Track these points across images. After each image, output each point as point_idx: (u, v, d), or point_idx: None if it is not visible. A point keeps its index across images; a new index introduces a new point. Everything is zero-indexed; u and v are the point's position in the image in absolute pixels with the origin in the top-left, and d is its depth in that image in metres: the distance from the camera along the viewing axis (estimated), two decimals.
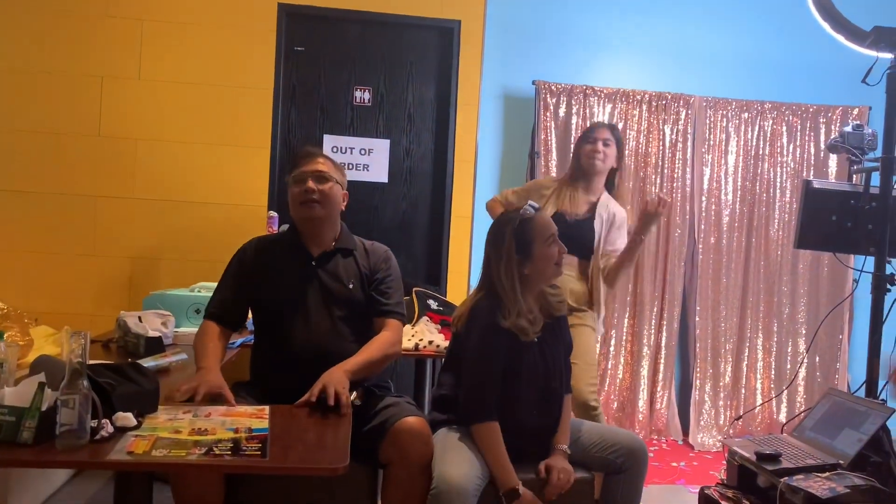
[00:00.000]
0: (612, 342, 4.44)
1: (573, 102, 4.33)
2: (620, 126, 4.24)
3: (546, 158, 4.31)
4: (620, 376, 4.46)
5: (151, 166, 3.92)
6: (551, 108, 4.34)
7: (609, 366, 4.43)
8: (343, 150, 4.13)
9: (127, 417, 1.68)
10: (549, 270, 2.31)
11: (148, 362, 2.25)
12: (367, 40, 4.18)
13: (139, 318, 2.73)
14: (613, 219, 3.11)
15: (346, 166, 4.18)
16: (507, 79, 4.41)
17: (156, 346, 2.56)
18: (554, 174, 4.19)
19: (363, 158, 4.16)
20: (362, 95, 4.18)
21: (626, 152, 3.27)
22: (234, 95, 3.97)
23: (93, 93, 3.87)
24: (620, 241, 3.09)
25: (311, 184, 2.29)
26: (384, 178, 4.19)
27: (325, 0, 4.05)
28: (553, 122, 4.34)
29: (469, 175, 4.18)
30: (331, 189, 2.33)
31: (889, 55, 2.67)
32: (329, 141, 4.13)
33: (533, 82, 4.31)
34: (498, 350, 2.22)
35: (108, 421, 1.63)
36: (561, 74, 4.38)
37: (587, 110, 4.35)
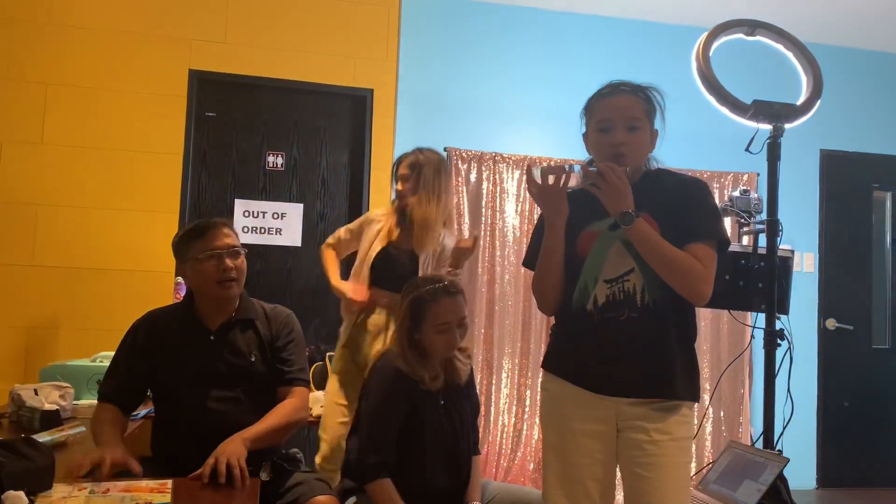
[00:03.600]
0: (528, 403, 4.49)
1: (483, 168, 4.48)
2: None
3: (458, 222, 4.41)
4: (536, 437, 4.50)
5: (53, 232, 3.79)
6: (462, 173, 4.46)
7: (524, 427, 4.47)
8: (255, 215, 4.11)
9: (18, 496, 1.58)
10: (440, 349, 2.28)
11: (43, 437, 2.14)
12: (280, 106, 4.22)
13: (35, 390, 2.60)
14: (442, 249, 2.99)
15: (258, 230, 4.20)
16: (419, 145, 4.49)
17: (52, 419, 2.44)
18: (466, 236, 4.27)
19: (276, 223, 4.14)
20: (275, 160, 4.19)
21: (441, 171, 3.06)
22: (142, 160, 3.91)
23: None
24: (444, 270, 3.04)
25: (228, 262, 2.20)
26: (298, 242, 4.18)
27: (236, 67, 4.08)
28: (465, 187, 4.46)
29: None
30: (243, 262, 2.27)
31: (768, 126, 2.90)
32: (241, 205, 4.10)
33: (445, 149, 4.43)
34: (397, 395, 2.21)
35: None
36: (471, 142, 4.52)
37: (497, 175, 4.50)
